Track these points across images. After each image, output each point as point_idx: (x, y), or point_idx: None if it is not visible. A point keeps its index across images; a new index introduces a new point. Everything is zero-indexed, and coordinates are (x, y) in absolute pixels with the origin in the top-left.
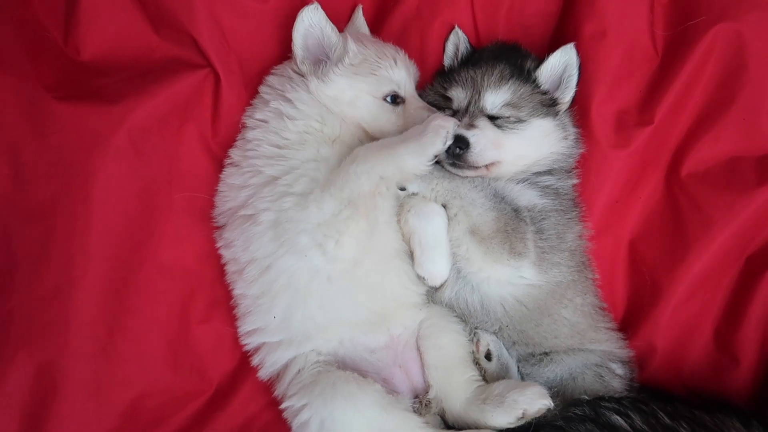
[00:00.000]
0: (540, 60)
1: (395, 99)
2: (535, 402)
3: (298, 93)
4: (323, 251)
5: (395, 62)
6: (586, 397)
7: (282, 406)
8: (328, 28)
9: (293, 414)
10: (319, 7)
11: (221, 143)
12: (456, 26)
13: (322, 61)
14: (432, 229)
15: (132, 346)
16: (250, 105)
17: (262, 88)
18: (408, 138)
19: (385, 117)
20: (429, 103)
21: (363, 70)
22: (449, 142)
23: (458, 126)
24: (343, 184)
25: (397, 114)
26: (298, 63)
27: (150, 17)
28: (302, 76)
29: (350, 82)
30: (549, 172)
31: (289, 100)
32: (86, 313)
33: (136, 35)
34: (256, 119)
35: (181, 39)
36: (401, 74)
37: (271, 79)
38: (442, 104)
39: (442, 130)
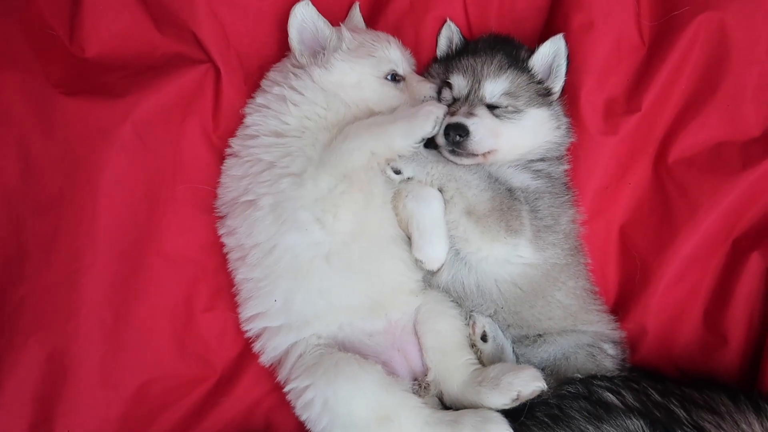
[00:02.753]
0: (531, 51)
1: (395, 77)
2: (530, 384)
3: (303, 81)
4: (322, 225)
5: (389, 43)
6: (579, 376)
7: (286, 389)
8: (321, 22)
9: (297, 395)
10: (310, 2)
11: (222, 136)
12: (448, 19)
13: (318, 52)
14: (430, 212)
15: (139, 333)
16: (251, 98)
17: (264, 82)
18: (399, 118)
19: (389, 94)
20: None
21: (362, 53)
22: (438, 128)
23: (457, 114)
24: (337, 161)
25: (400, 90)
26: (297, 57)
27: (152, 15)
28: (302, 68)
29: (352, 65)
30: (541, 159)
31: (294, 88)
32: (94, 301)
33: (139, 32)
34: (257, 104)
35: (182, 35)
36: (396, 54)
37: (272, 75)
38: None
39: (432, 115)
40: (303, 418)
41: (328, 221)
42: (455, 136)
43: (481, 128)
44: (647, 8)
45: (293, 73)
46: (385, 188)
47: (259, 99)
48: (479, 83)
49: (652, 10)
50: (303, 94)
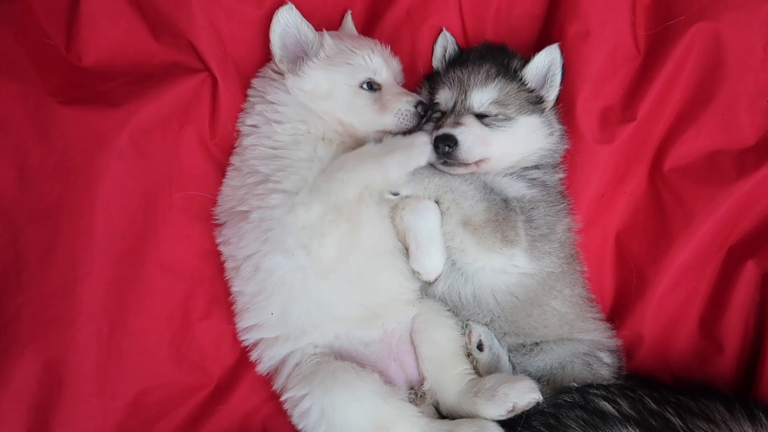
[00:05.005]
0: (526, 60)
1: (371, 86)
2: (525, 396)
3: (278, 95)
4: (307, 251)
5: (372, 51)
6: (575, 385)
7: (283, 398)
8: (304, 26)
9: (294, 404)
10: (293, 6)
11: (219, 144)
12: (444, 28)
13: (299, 58)
14: (426, 224)
15: (135, 341)
16: (242, 111)
17: (250, 92)
18: (394, 149)
19: (360, 103)
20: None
21: (338, 60)
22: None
23: (444, 126)
24: (330, 190)
25: (374, 99)
26: (276, 62)
27: (149, 24)
28: (281, 74)
29: (325, 74)
30: (536, 166)
31: (270, 103)
32: (91, 309)
33: (136, 41)
34: (248, 125)
35: (179, 44)
36: (378, 61)
37: (255, 82)
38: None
39: (428, 146)
40: (300, 427)
41: (313, 248)
42: (444, 147)
43: (470, 137)
44: (643, 17)
45: (270, 83)
46: (376, 214)
47: (249, 120)
48: (465, 93)
49: (648, 20)
50: (279, 111)
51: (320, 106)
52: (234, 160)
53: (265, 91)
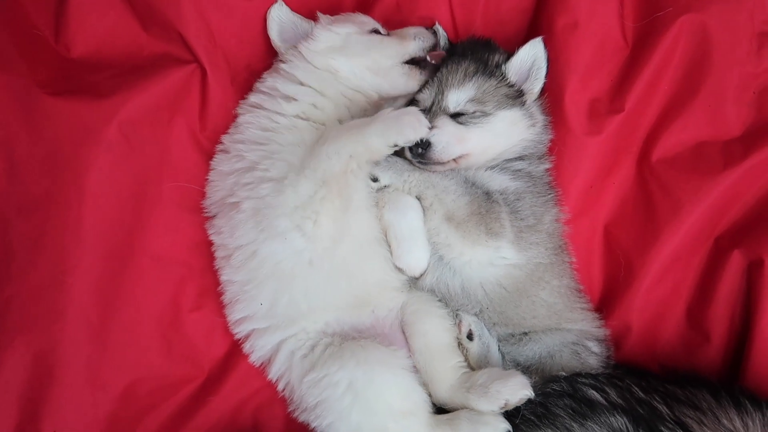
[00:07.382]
0: (510, 54)
1: (379, 33)
2: (518, 392)
3: (294, 62)
4: (303, 233)
5: (362, 14)
6: (564, 374)
7: (307, 378)
8: (297, 18)
9: (315, 383)
10: (283, 3)
11: (209, 136)
12: (437, 23)
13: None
14: (407, 222)
15: (125, 333)
16: (244, 98)
17: (257, 83)
18: (377, 120)
19: (378, 41)
20: None
21: (341, 20)
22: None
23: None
24: (316, 166)
25: (389, 38)
26: (283, 52)
27: (138, 15)
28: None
29: (336, 29)
30: (520, 158)
31: (288, 75)
32: (80, 301)
33: (125, 32)
34: (250, 104)
35: (168, 36)
36: (372, 19)
37: (264, 75)
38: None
39: (415, 123)
40: (320, 398)
41: (308, 228)
42: (417, 149)
43: (443, 137)
44: (631, 9)
45: (286, 64)
46: (366, 192)
47: (252, 98)
48: (443, 93)
49: (636, 12)
50: (295, 77)
51: (341, 60)
52: (224, 139)
53: (278, 70)
